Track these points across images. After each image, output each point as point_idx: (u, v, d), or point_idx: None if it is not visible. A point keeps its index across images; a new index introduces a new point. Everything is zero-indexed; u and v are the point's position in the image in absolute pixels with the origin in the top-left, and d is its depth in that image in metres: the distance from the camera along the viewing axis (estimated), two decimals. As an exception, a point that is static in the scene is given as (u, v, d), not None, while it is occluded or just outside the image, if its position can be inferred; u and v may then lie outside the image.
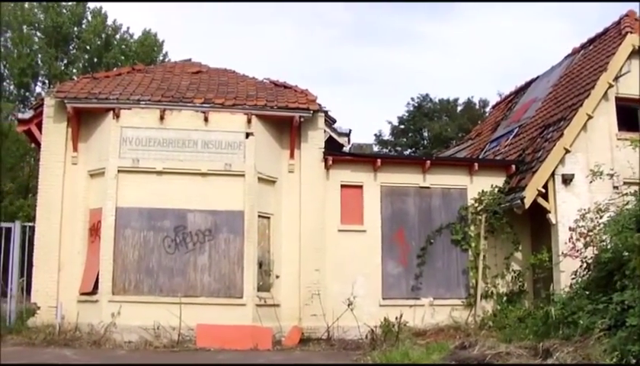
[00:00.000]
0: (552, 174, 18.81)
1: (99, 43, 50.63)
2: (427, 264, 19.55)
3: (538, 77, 26.52)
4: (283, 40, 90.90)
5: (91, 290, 17.48)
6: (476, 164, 20.39)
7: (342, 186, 19.45)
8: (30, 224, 18.53)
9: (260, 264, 18.07)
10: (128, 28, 52.27)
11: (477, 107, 55.25)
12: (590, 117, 19.10)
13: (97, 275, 17.44)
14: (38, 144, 19.28)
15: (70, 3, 49.96)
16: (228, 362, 14.53)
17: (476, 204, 19.88)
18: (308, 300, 18.27)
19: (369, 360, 14.07)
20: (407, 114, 57.59)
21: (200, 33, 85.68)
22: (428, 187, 19.90)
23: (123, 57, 49.28)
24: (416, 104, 57.42)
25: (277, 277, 18.41)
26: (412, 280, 19.42)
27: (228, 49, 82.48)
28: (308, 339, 17.73)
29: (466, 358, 12.25)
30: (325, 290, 18.49)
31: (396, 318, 16.55)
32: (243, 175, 18.02)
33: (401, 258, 19.52)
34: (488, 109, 46.09)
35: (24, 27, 49.51)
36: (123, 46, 51.21)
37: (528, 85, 27.08)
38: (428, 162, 20.05)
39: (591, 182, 17.07)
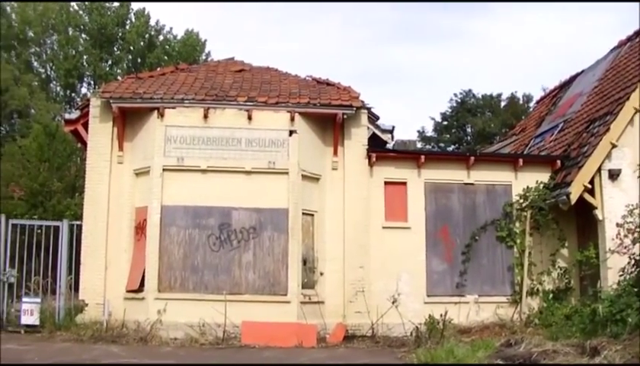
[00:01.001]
0: (599, 170, 18.48)
1: (142, 43, 51.23)
2: (472, 261, 19.39)
3: (583, 71, 26.17)
4: (326, 39, 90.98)
5: (138, 288, 17.68)
6: (521, 160, 20.14)
7: (386, 183, 19.36)
8: (78, 223, 18.78)
9: (304, 262, 18.11)
10: (171, 29, 52.94)
11: (521, 102, 54.81)
12: (637, 111, 18.73)
13: (143, 273, 17.63)
14: (84, 144, 19.56)
15: (114, 4, 50.58)
16: (274, 361, 14.53)
17: (521, 200, 19.65)
18: (352, 297, 18.24)
19: (414, 357, 14.00)
20: (450, 110, 57.40)
21: (242, 31, 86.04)
22: (472, 184, 19.74)
23: (166, 57, 49.81)
24: (459, 100, 57.21)
25: (322, 274, 18.43)
26: (457, 277, 19.29)
27: (270, 47, 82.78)
28: (353, 336, 17.71)
29: (512, 356, 12.17)
30: (370, 287, 18.43)
31: (441, 315, 16.51)
32: (287, 173, 18.06)
33: (446, 255, 19.40)
34: (531, 104, 45.65)
35: (70, 29, 50.27)
36: (166, 47, 51.78)
37: (573, 79, 26.73)
38: (472, 158, 19.87)
39: (639, 177, 16.86)
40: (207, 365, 14.04)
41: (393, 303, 17.89)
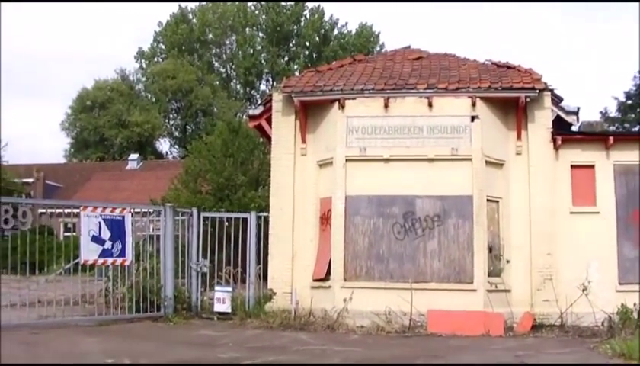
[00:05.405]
0: None
1: (317, 38, 52.27)
2: (668, 247, 18.40)
3: None
4: (502, 22, 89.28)
5: (324, 277, 17.98)
6: None
7: (572, 166, 18.62)
8: (264, 214, 19.39)
9: (490, 249, 17.76)
10: (346, 23, 53.70)
11: None
12: None
13: (329, 262, 17.92)
14: (268, 138, 20.12)
15: (289, 3, 51.93)
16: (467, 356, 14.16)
17: None
18: (540, 285, 17.74)
19: (608, 348, 13.44)
20: (634, 88, 54.74)
21: (412, 21, 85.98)
22: (666, 165, 18.71)
23: (340, 51, 50.55)
24: (643, 77, 54.52)
25: (508, 261, 18.03)
26: (651, 265, 18.36)
27: (440, 34, 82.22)
28: (541, 325, 17.22)
29: None
30: (557, 275, 17.84)
31: (634, 304, 15.82)
32: (470, 159, 17.77)
33: (639, 241, 18.51)
34: None
35: (247, 29, 52.02)
36: (341, 40, 52.55)
37: None
38: (666, 137, 18.83)
39: None
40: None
41: (583, 291, 17.16)
